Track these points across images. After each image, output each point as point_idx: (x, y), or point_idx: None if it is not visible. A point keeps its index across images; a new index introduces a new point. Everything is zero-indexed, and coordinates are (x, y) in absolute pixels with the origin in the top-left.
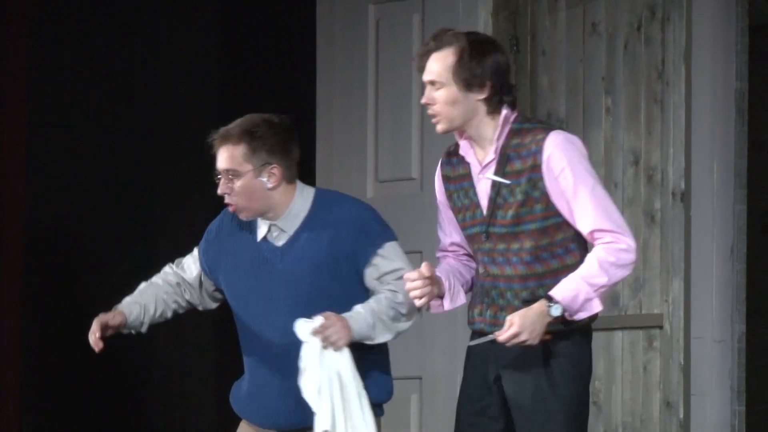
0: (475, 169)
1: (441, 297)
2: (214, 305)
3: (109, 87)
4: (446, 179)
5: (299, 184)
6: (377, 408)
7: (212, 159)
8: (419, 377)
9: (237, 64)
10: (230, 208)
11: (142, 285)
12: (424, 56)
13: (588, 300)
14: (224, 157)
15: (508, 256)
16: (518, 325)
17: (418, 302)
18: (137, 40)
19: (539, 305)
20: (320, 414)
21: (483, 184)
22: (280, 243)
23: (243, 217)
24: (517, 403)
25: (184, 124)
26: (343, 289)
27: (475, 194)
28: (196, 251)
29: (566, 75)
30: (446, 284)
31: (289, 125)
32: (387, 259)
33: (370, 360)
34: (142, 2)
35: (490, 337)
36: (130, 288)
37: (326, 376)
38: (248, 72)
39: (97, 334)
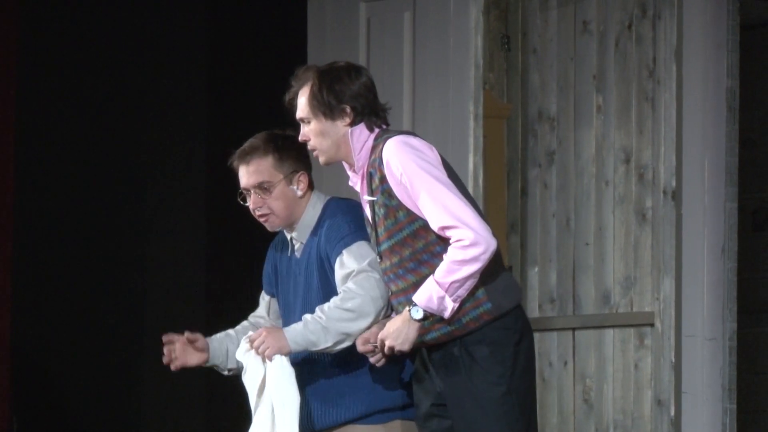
0: (362, 195)
1: None
2: None
3: (101, 87)
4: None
5: (314, 194)
6: (391, 412)
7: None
8: None
9: (227, 63)
10: (262, 220)
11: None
12: (293, 98)
13: (441, 299)
14: (252, 171)
15: (395, 270)
16: (383, 332)
17: (378, 364)
18: (127, 40)
19: (405, 310)
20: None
21: (368, 208)
22: (299, 255)
23: (273, 227)
24: (453, 411)
25: (174, 122)
26: None
27: (368, 220)
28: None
29: (557, 73)
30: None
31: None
32: (350, 259)
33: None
34: (132, 2)
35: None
36: (122, 287)
37: (270, 384)
38: (239, 70)
39: (184, 339)
